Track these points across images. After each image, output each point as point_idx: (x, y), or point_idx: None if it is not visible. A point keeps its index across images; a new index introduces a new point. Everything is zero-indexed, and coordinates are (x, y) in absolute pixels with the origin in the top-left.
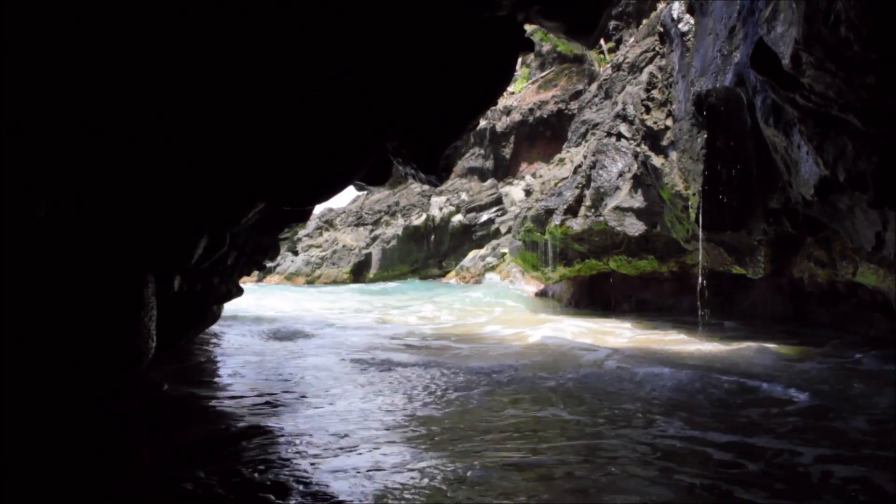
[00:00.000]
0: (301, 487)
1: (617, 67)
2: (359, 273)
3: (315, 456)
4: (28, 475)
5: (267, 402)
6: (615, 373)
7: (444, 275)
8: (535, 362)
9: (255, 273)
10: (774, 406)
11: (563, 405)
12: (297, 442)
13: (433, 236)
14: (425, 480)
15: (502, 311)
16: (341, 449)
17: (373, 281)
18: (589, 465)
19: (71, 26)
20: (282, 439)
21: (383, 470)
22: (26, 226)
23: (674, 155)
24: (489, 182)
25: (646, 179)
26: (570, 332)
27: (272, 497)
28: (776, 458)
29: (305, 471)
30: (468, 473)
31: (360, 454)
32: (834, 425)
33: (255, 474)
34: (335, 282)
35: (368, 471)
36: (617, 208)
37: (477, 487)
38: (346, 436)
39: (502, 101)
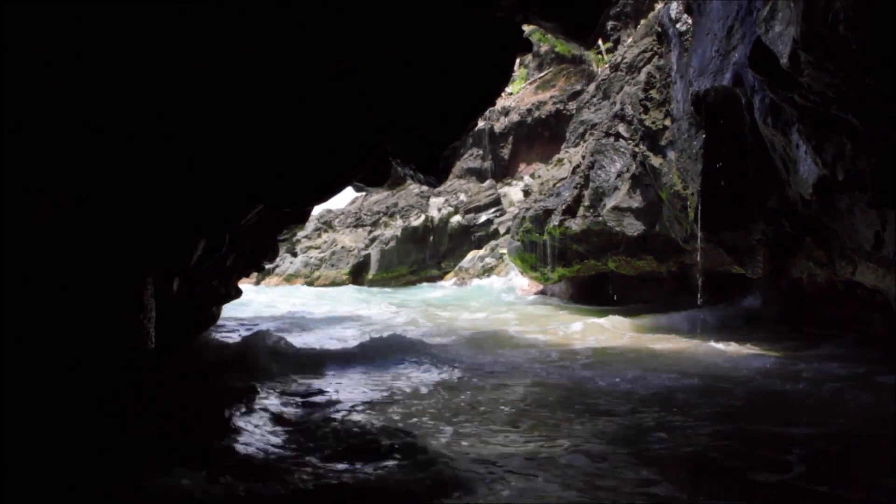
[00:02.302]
0: None
1: (615, 67)
2: (358, 274)
3: (315, 471)
4: (28, 476)
5: (271, 407)
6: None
7: (443, 276)
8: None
9: (255, 274)
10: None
11: None
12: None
13: (432, 237)
14: None
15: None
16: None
17: (372, 283)
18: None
19: (71, 26)
20: (284, 447)
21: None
22: (26, 226)
23: (672, 155)
24: (488, 183)
25: (644, 179)
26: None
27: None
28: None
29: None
30: None
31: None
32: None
33: (256, 475)
34: (334, 283)
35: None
36: (615, 208)
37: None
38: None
39: (500, 102)
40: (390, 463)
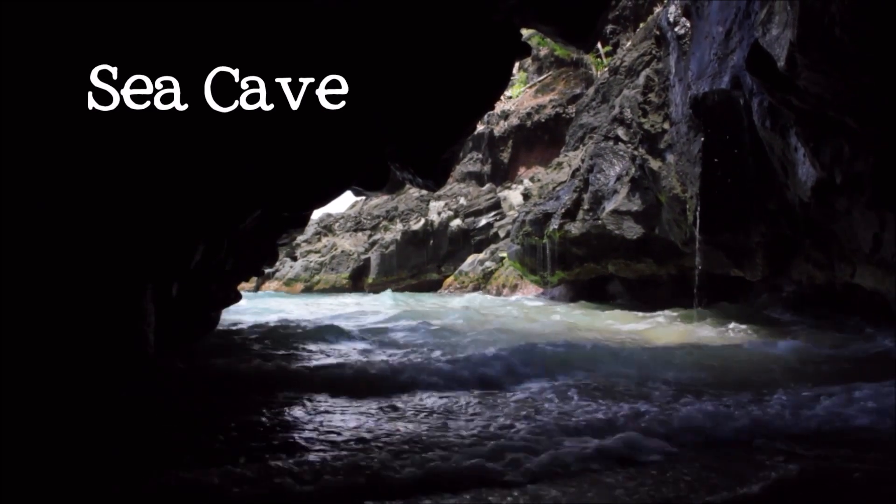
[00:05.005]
0: None
1: (614, 71)
2: (358, 279)
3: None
4: (27, 477)
5: (275, 412)
6: None
7: (442, 280)
8: None
9: (254, 279)
10: None
11: None
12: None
13: (432, 241)
14: None
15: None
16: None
17: (372, 286)
18: None
19: (71, 26)
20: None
21: None
22: (24, 232)
23: (671, 158)
24: (487, 186)
25: (643, 182)
26: None
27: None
28: None
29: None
30: None
31: None
32: None
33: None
34: (334, 287)
35: None
36: (615, 212)
37: None
38: None
39: (500, 106)
40: None
